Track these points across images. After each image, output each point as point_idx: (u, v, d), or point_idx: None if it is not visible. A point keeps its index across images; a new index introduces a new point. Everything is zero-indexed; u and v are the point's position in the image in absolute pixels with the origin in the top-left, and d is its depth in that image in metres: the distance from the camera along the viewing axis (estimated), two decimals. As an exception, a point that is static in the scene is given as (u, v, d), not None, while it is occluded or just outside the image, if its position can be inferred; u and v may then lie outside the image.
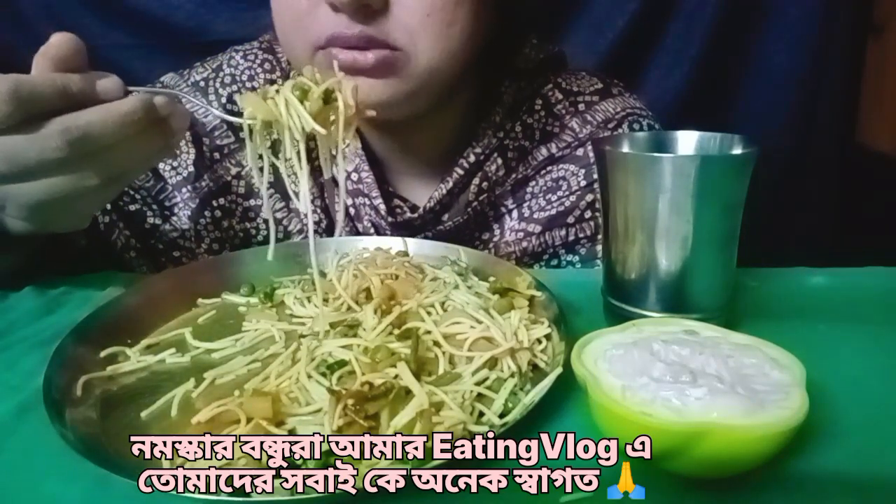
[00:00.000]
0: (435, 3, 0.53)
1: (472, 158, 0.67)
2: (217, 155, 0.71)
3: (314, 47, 0.55)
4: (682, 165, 0.43)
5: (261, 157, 0.48)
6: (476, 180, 0.68)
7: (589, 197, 0.68)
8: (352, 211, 0.70)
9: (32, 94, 0.39)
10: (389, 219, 0.67)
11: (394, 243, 0.61)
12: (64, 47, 0.41)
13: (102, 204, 0.51)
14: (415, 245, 0.61)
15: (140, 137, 0.43)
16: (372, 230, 0.69)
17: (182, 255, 0.70)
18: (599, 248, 0.67)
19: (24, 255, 0.55)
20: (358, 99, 0.46)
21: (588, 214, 0.69)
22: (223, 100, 0.70)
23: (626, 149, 0.51)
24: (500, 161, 0.69)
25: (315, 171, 0.70)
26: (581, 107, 0.71)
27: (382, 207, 0.67)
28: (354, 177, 0.67)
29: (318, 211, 0.71)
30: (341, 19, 0.53)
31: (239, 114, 0.68)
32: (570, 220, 0.69)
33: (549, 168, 0.70)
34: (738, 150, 0.47)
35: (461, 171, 0.67)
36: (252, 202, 0.72)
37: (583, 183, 0.68)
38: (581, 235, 0.69)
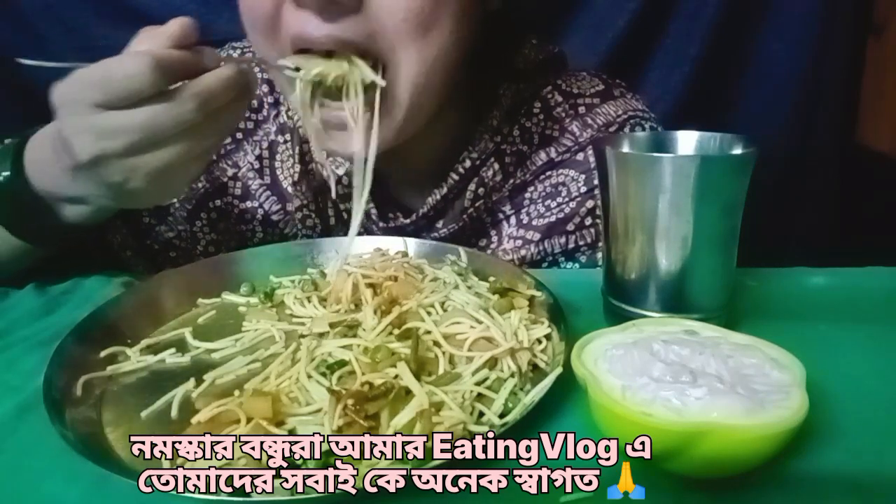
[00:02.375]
0: (414, 4, 0.49)
1: (467, 164, 0.65)
2: (214, 156, 0.71)
3: (284, 53, 0.52)
4: (682, 165, 0.43)
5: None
6: (472, 186, 0.66)
7: (589, 203, 0.66)
8: (345, 216, 0.69)
9: (171, 67, 0.42)
10: (381, 224, 0.66)
11: (394, 243, 0.61)
12: (183, 30, 0.45)
13: (204, 170, 0.54)
14: (415, 245, 0.61)
15: (236, 100, 0.46)
16: (365, 236, 0.68)
17: (178, 256, 0.70)
18: (600, 255, 0.65)
19: (57, 249, 0.57)
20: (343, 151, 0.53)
21: (588, 221, 0.66)
22: None
23: (626, 149, 0.51)
24: (497, 166, 0.67)
25: (308, 175, 0.70)
26: (581, 110, 0.69)
27: (374, 213, 0.66)
28: (346, 181, 0.66)
29: (312, 215, 0.70)
30: (308, 18, 0.48)
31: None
32: (570, 227, 0.66)
33: (548, 173, 0.68)
34: (738, 150, 0.47)
35: (456, 177, 0.65)
36: (248, 204, 0.72)
37: (583, 189, 0.66)
38: (581, 243, 0.67)
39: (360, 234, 0.67)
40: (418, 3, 0.49)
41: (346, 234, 0.68)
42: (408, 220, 0.66)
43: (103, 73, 0.41)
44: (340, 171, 0.66)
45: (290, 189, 0.70)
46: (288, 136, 0.70)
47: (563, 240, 0.67)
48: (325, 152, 0.60)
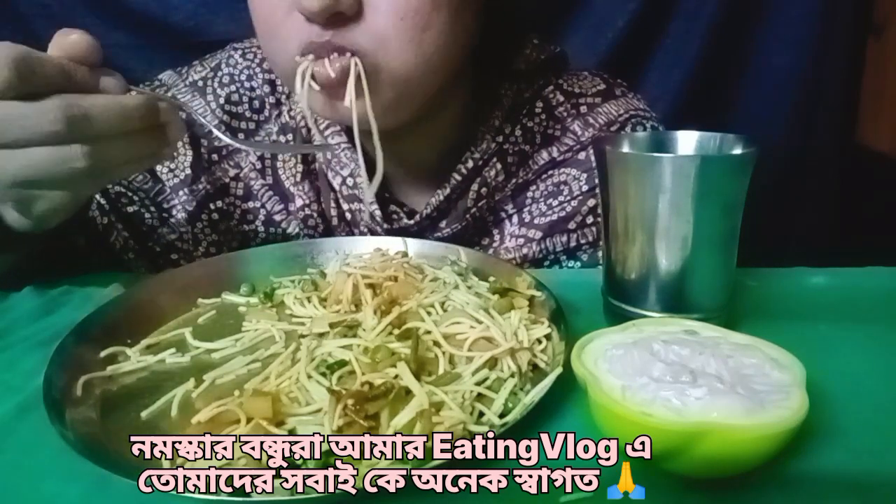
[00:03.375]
0: (409, 7, 0.50)
1: (470, 164, 0.65)
2: (215, 157, 0.71)
3: (291, 58, 0.53)
4: (682, 165, 0.43)
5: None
6: (475, 186, 0.66)
7: (591, 202, 0.67)
8: (348, 216, 0.69)
9: (38, 68, 0.39)
10: (385, 225, 0.66)
11: (394, 243, 0.61)
12: (79, 44, 0.42)
13: (83, 197, 0.50)
14: (415, 245, 0.61)
15: (135, 136, 0.44)
16: (368, 236, 0.68)
17: (180, 257, 0.70)
18: (601, 253, 0.65)
19: (24, 255, 0.55)
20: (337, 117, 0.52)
21: (590, 220, 0.67)
22: (221, 100, 0.70)
23: (626, 149, 0.51)
24: (499, 166, 0.67)
25: (311, 175, 0.70)
26: (583, 109, 0.69)
27: (378, 214, 0.66)
28: (350, 181, 0.66)
29: (315, 215, 0.70)
30: (314, 28, 0.51)
31: (235, 115, 0.69)
32: (572, 225, 0.67)
33: (550, 172, 0.68)
34: (738, 150, 0.47)
35: (459, 177, 0.65)
36: (250, 204, 0.72)
37: (584, 187, 0.67)
38: (583, 241, 0.67)
39: (366, 235, 0.68)
40: (414, 3, 0.50)
41: (348, 233, 0.69)
42: (412, 221, 0.66)
43: None
44: (345, 172, 0.67)
45: (292, 189, 0.70)
46: (290, 136, 0.70)
47: (564, 238, 0.67)
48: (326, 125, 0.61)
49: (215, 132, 0.52)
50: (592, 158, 0.67)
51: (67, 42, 0.42)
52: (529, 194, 0.69)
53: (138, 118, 0.43)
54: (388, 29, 0.51)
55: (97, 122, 0.41)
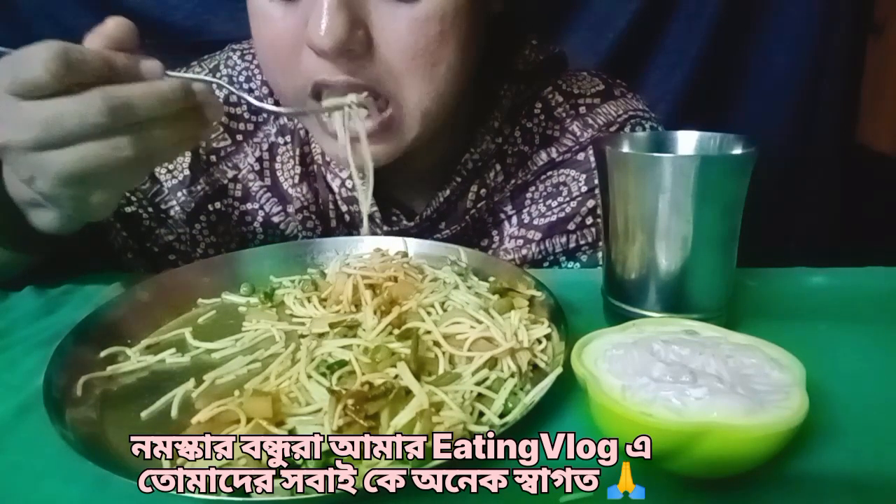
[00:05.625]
0: (419, 45, 0.51)
1: (470, 165, 0.66)
2: (213, 158, 0.70)
3: (302, 91, 0.54)
4: (682, 165, 0.43)
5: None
6: (474, 187, 0.66)
7: (590, 203, 0.67)
8: (346, 217, 0.69)
9: (79, 61, 0.40)
10: (385, 227, 0.66)
11: (394, 243, 0.61)
12: (119, 29, 0.43)
13: (130, 185, 0.51)
14: (415, 245, 0.61)
15: (175, 119, 0.44)
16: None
17: (178, 258, 0.70)
18: (601, 254, 0.65)
19: (45, 257, 0.56)
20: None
21: (589, 220, 0.67)
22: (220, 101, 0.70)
23: (626, 149, 0.51)
24: (498, 167, 0.67)
25: (309, 177, 0.70)
26: (582, 110, 0.69)
27: (378, 216, 0.66)
28: (349, 184, 0.67)
29: (313, 217, 0.70)
30: (325, 64, 0.51)
31: (233, 116, 0.70)
32: (571, 226, 0.67)
33: (549, 173, 0.69)
34: (738, 150, 0.47)
35: (459, 179, 0.66)
36: (248, 206, 0.71)
37: (584, 188, 0.67)
38: (582, 242, 0.67)
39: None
40: (423, 41, 0.51)
41: (346, 234, 0.69)
42: (411, 223, 0.67)
43: (13, 61, 0.40)
44: (344, 175, 0.67)
45: (290, 191, 0.70)
46: (288, 138, 0.70)
47: (564, 239, 0.67)
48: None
49: (254, 102, 0.54)
50: (592, 159, 0.67)
51: (106, 29, 0.42)
52: (528, 195, 0.69)
53: (176, 100, 0.43)
54: (400, 65, 0.52)
55: (139, 110, 0.42)
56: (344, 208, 0.69)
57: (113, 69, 0.42)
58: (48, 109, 0.40)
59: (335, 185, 0.67)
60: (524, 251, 0.68)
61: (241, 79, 0.71)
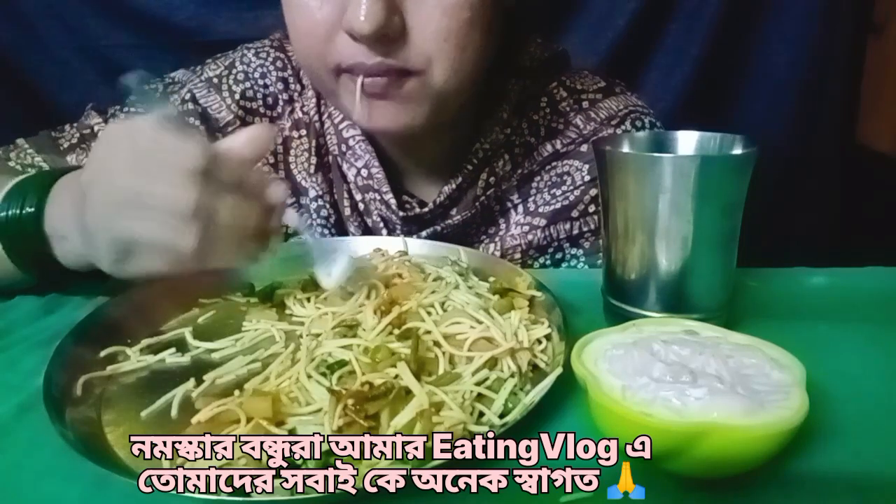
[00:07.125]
0: (451, 28, 0.54)
1: (480, 154, 0.68)
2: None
3: (336, 73, 0.57)
4: (682, 165, 0.43)
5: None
6: (484, 175, 0.69)
7: (593, 191, 0.70)
8: (361, 206, 0.71)
9: (218, 172, 0.41)
10: (401, 213, 0.68)
11: (393, 243, 0.61)
12: (257, 140, 0.44)
13: (172, 272, 0.50)
14: (415, 245, 0.61)
15: (244, 240, 0.45)
16: (381, 224, 0.70)
17: None
18: (602, 241, 0.68)
19: (54, 280, 0.56)
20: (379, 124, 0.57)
21: (592, 209, 0.70)
22: (237, 96, 0.71)
23: (626, 149, 0.51)
24: (506, 157, 0.70)
25: (324, 167, 0.72)
26: (585, 104, 0.72)
27: (393, 202, 0.68)
28: (364, 172, 0.69)
29: (327, 206, 0.72)
30: (360, 48, 0.53)
31: (250, 111, 0.70)
32: (575, 213, 0.70)
33: (553, 164, 0.71)
34: (738, 150, 0.47)
35: (470, 167, 0.68)
36: None
37: (587, 178, 0.70)
38: (585, 229, 0.70)
39: (379, 223, 0.70)
40: (455, 25, 0.54)
41: (360, 223, 0.71)
42: (425, 209, 0.69)
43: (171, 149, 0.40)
44: (360, 164, 0.68)
45: (303, 182, 0.72)
46: (303, 132, 0.72)
47: (567, 226, 0.70)
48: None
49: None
50: (594, 151, 0.69)
51: (247, 136, 0.44)
52: (534, 185, 0.72)
53: (253, 226, 0.44)
54: (433, 49, 0.54)
55: (222, 218, 0.42)
56: (358, 197, 0.70)
57: (241, 186, 0.43)
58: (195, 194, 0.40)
59: (350, 174, 0.69)
60: (530, 237, 0.70)
61: (257, 75, 0.72)
